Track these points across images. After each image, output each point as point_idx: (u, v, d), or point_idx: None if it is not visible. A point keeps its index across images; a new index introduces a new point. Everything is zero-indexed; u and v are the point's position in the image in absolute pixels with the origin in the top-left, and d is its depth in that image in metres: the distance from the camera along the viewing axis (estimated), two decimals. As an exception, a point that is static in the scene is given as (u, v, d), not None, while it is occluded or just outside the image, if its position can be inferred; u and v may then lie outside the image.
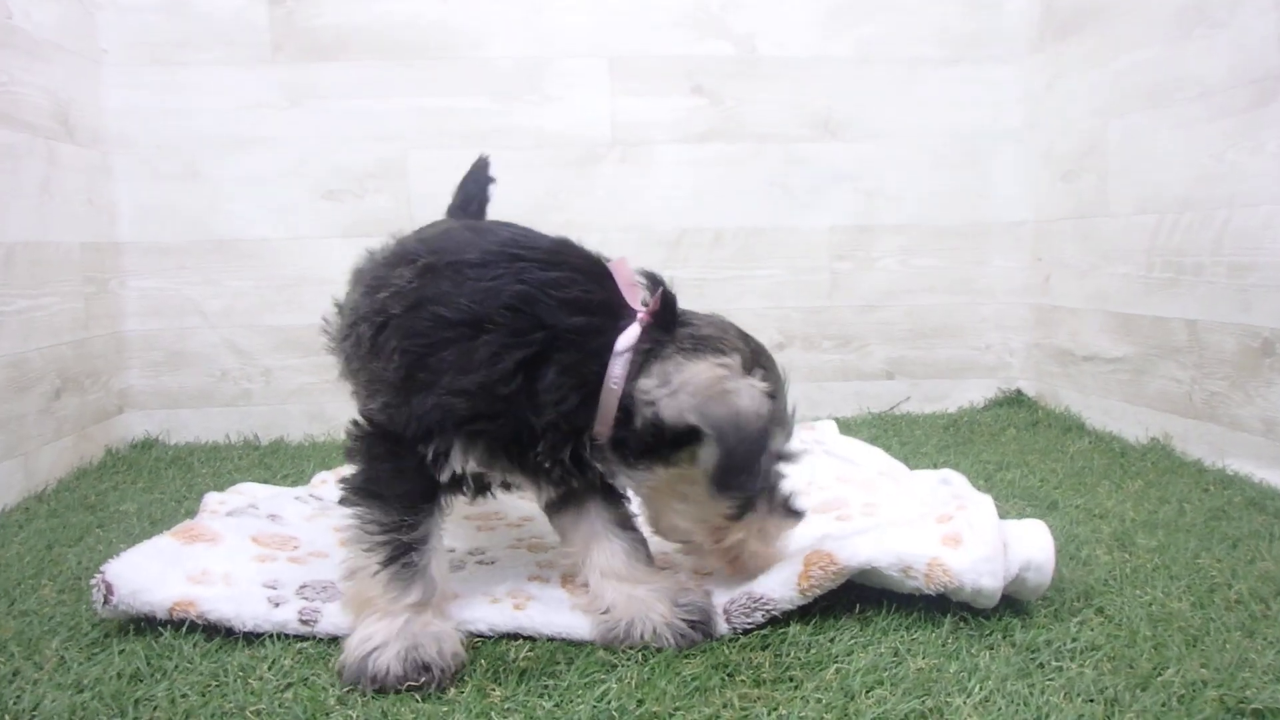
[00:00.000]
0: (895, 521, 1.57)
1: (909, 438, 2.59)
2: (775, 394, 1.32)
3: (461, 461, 1.27)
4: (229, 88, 2.71)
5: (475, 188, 1.94)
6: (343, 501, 1.33)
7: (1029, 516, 1.82)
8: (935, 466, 2.12)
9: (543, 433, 1.27)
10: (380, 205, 2.78)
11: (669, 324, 1.31)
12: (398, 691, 1.17)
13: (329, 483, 2.14)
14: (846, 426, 2.69)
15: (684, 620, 1.31)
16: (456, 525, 1.83)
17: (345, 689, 1.18)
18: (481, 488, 1.39)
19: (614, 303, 1.31)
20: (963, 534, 1.42)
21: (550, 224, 1.44)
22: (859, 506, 1.82)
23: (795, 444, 1.41)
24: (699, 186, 2.88)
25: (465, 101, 2.78)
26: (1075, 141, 2.73)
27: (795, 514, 1.42)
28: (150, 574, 1.38)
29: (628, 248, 1.47)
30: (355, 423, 1.35)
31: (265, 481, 2.19)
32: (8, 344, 2.20)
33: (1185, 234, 2.28)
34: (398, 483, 1.29)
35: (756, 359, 1.34)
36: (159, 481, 2.33)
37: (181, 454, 2.62)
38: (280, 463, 2.51)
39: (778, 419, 1.33)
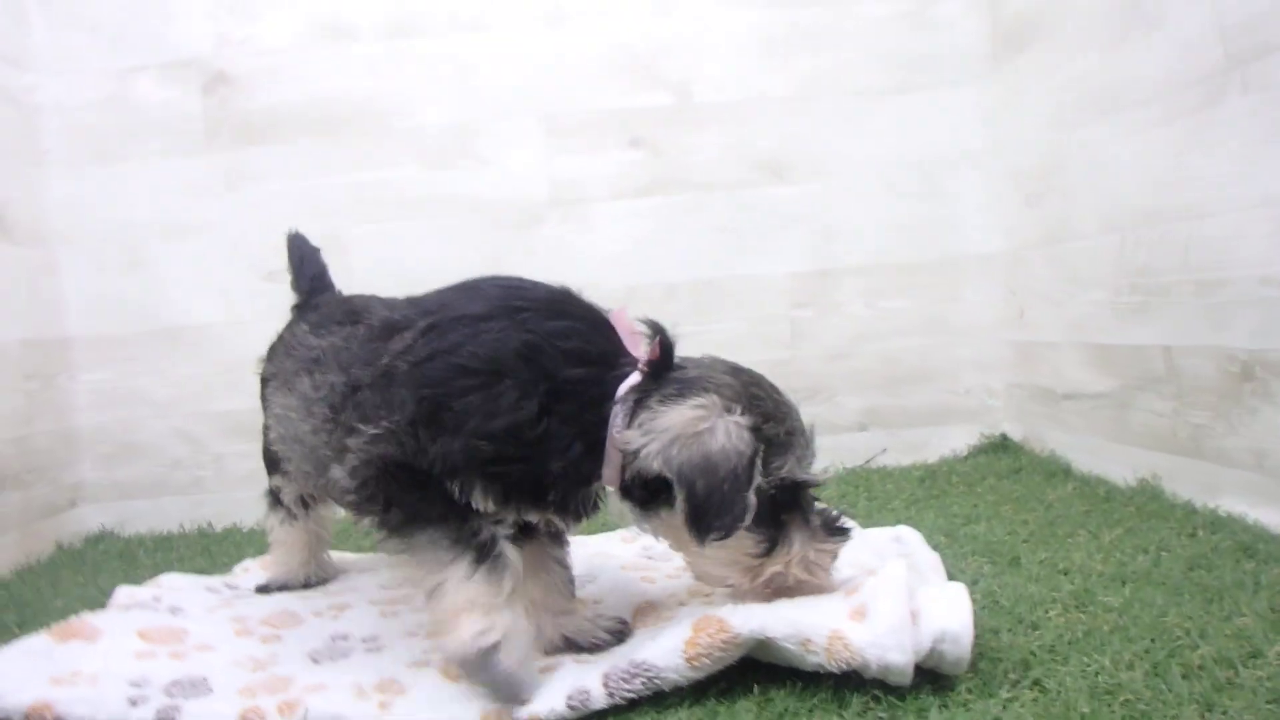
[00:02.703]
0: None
1: (878, 493, 2.41)
2: (765, 426, 1.31)
3: (482, 501, 1.30)
4: (167, 177, 2.75)
5: (313, 260, 1.98)
6: (385, 548, 1.34)
7: (986, 573, 1.67)
8: (899, 522, 1.95)
9: (555, 480, 1.32)
10: (321, 283, 2.76)
11: (662, 371, 1.34)
12: None
13: (252, 571, 2.10)
14: (815, 485, 2.52)
15: (604, 629, 1.46)
16: (361, 610, 1.74)
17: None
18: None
19: (613, 352, 1.36)
20: (868, 605, 1.28)
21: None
22: (786, 574, 1.65)
23: (818, 468, 1.40)
24: (646, 241, 2.80)
25: (398, 172, 2.77)
26: (1036, 161, 2.58)
27: (839, 532, 1.40)
28: (14, 677, 1.34)
29: (577, 307, 1.43)
30: (353, 469, 1.34)
31: (204, 571, 2.12)
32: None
33: (1150, 251, 2.10)
34: (438, 505, 1.30)
35: (746, 392, 1.34)
36: (98, 576, 2.26)
37: (130, 546, 2.57)
38: (226, 551, 2.44)
39: (782, 446, 1.32)
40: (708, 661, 1.22)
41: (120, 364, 2.77)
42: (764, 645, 1.23)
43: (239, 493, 2.76)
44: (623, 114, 2.78)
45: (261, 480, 2.77)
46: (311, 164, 2.75)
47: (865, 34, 2.78)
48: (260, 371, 1.85)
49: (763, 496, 1.29)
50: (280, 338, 1.82)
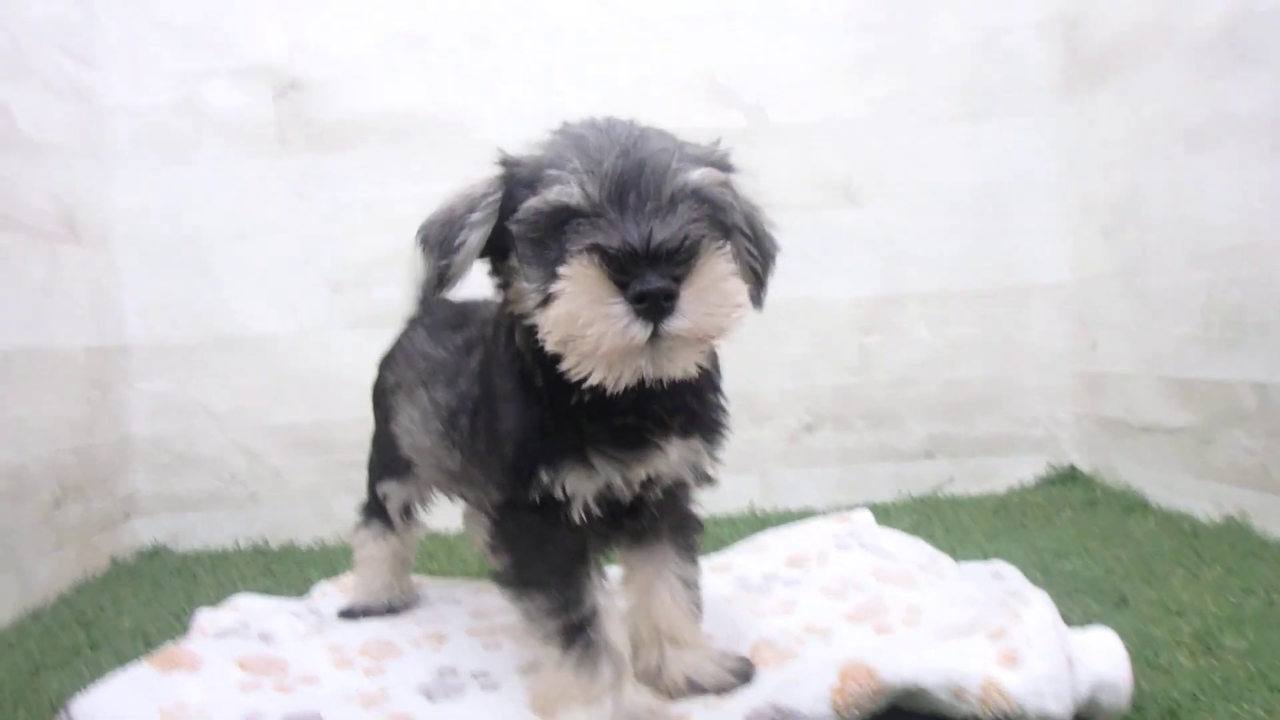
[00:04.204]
0: (943, 635, 1.40)
1: (954, 524, 2.38)
2: (517, 169, 1.28)
3: (550, 482, 1.25)
4: (236, 181, 2.69)
5: None
6: (503, 592, 1.33)
7: (1095, 613, 1.65)
8: (985, 557, 1.92)
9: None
10: (388, 295, 2.68)
11: None
12: None
13: (330, 595, 2.04)
14: (885, 513, 2.49)
15: (728, 670, 1.38)
16: (460, 642, 1.69)
17: None
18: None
19: None
20: (1020, 651, 1.25)
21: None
22: (901, 612, 1.63)
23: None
24: (716, 260, 2.77)
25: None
26: (1113, 193, 2.58)
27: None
28: (120, 710, 1.29)
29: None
30: (490, 516, 1.37)
31: (269, 591, 2.07)
32: (2, 453, 2.13)
33: (1245, 288, 2.10)
34: (545, 559, 1.28)
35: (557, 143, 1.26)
36: (160, 594, 2.22)
37: (187, 562, 2.52)
38: (286, 569, 2.39)
39: (535, 181, 1.24)
40: (856, 712, 1.18)
41: (180, 373, 2.71)
42: (913, 694, 1.21)
43: (296, 508, 2.72)
44: (697, 134, 2.69)
45: (322, 496, 2.71)
46: (385, 174, 2.70)
47: (938, 61, 2.78)
48: (376, 380, 1.84)
49: (525, 240, 1.19)
50: (398, 344, 1.79)
